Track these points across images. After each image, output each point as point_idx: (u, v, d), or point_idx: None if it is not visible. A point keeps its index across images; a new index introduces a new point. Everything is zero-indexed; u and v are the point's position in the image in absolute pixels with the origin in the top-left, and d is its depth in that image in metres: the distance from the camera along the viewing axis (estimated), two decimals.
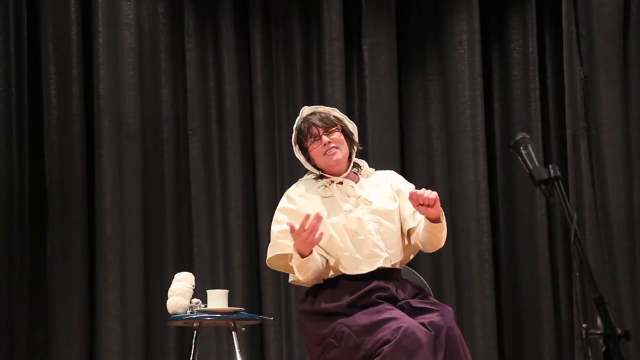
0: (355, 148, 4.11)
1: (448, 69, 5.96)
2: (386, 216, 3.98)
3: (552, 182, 2.54)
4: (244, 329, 5.26)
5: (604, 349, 2.32)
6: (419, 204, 3.76)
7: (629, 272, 5.60)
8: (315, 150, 4.01)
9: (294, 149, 4.08)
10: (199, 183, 5.89)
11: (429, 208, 3.76)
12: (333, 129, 4.02)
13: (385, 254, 3.93)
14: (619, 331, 2.31)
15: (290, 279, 4.05)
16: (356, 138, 4.10)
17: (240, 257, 5.80)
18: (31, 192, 5.72)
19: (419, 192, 3.74)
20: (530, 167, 2.61)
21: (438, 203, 3.76)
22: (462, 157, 5.84)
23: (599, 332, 2.33)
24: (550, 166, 2.55)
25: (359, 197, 4.00)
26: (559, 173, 2.54)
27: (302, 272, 3.86)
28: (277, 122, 6.02)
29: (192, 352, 4.98)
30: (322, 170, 4.06)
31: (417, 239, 4.00)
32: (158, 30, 5.98)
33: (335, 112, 4.08)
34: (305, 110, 4.09)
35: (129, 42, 5.82)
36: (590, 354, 2.40)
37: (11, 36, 5.74)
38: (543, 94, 5.96)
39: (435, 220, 3.84)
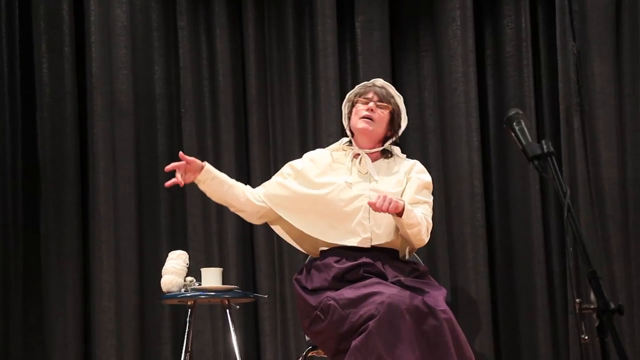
0: (394, 138, 4.17)
1: (441, 45, 5.95)
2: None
3: (545, 158, 2.54)
4: (238, 306, 5.27)
5: (597, 323, 2.32)
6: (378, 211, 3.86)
7: (622, 247, 5.61)
8: (356, 109, 4.14)
9: (344, 103, 4.25)
10: None
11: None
12: (385, 104, 4.09)
13: (366, 234, 3.97)
14: (612, 306, 2.31)
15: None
16: (400, 132, 4.22)
17: (234, 235, 5.80)
18: (24, 170, 5.71)
19: (375, 203, 3.79)
20: (524, 142, 2.61)
21: (393, 205, 3.81)
22: (455, 134, 5.84)
23: (592, 306, 2.33)
24: (544, 141, 2.55)
25: (366, 173, 4.05)
26: (552, 148, 2.54)
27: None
28: (270, 99, 6.01)
29: (187, 330, 4.99)
30: (353, 135, 4.16)
31: None
32: (150, 8, 5.96)
33: (399, 100, 4.18)
34: (378, 81, 4.22)
35: (121, 20, 5.80)
36: (583, 328, 2.40)
37: (2, 14, 5.71)
38: (536, 70, 5.95)
39: (398, 214, 3.89)
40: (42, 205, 5.70)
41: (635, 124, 5.72)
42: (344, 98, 5.95)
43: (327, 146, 4.40)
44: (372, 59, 5.96)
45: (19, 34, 5.77)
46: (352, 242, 3.98)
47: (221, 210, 5.84)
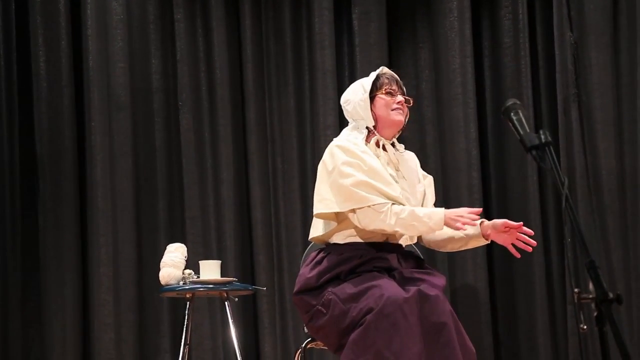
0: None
1: (438, 36, 5.95)
2: (414, 195, 4.01)
3: (543, 148, 2.53)
4: (236, 299, 5.27)
5: (595, 313, 2.32)
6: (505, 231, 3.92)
7: (621, 237, 5.62)
8: (385, 100, 4.00)
9: (363, 87, 4.04)
10: (189, 154, 5.88)
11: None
12: (408, 99, 4.05)
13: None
14: (611, 295, 2.31)
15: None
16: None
17: (232, 228, 5.80)
18: (22, 164, 5.71)
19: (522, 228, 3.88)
20: (521, 132, 2.60)
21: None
22: (453, 125, 5.84)
23: (590, 296, 2.33)
24: (541, 132, 2.55)
25: (398, 170, 4.02)
26: (549, 138, 2.53)
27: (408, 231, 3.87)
28: (267, 91, 6.00)
29: (186, 323, 4.99)
30: (374, 126, 4.03)
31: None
32: (146, 1, 5.95)
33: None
34: (386, 69, 4.11)
35: (117, 13, 5.79)
36: (582, 318, 2.40)
37: None
38: (533, 61, 5.95)
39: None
40: (40, 199, 5.70)
41: (633, 114, 5.72)
42: (342, 90, 5.93)
43: (328, 137, 4.31)
44: (370, 50, 5.95)
45: (15, 27, 5.76)
46: (402, 241, 3.99)
47: (219, 203, 5.84)
